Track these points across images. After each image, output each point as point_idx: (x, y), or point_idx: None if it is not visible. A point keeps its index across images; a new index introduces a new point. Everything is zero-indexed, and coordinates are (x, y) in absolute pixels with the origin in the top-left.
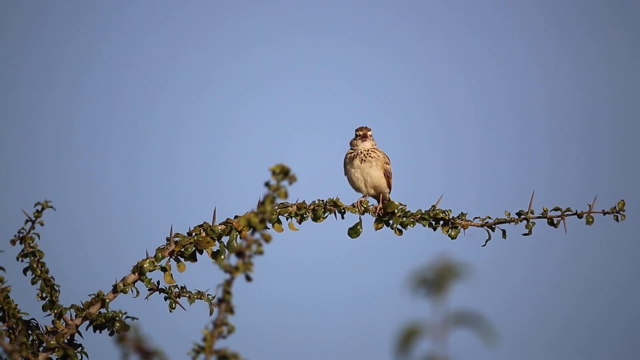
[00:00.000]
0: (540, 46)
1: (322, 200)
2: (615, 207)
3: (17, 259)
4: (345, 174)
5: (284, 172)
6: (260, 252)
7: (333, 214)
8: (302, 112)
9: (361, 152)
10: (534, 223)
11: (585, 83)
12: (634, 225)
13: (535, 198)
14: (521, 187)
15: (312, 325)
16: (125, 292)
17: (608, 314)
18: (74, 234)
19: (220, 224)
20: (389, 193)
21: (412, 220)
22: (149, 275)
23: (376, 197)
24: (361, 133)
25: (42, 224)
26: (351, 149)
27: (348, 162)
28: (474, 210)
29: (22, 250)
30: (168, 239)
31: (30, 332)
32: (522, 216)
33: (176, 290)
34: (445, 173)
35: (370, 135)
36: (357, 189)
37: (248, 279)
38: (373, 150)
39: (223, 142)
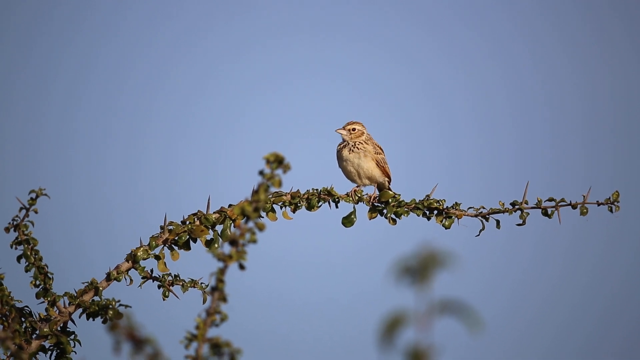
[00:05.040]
0: (536, 39)
1: (317, 189)
2: (609, 198)
3: (11, 247)
4: (339, 167)
5: (278, 161)
6: (254, 241)
7: (327, 203)
8: (300, 108)
9: (349, 143)
10: (527, 213)
11: (583, 76)
12: (636, 218)
13: (536, 190)
14: (520, 178)
15: (303, 315)
16: (119, 280)
17: (609, 311)
18: (68, 221)
19: (214, 213)
20: (390, 182)
21: (406, 209)
22: (142, 263)
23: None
24: (347, 128)
25: (36, 212)
26: (342, 141)
27: (338, 154)
28: (472, 201)
29: (16, 238)
30: (162, 227)
31: (23, 319)
32: (516, 206)
33: (170, 278)
34: (442, 164)
35: (355, 130)
36: (352, 181)
37: (241, 267)
38: (362, 141)
39: (219, 133)
